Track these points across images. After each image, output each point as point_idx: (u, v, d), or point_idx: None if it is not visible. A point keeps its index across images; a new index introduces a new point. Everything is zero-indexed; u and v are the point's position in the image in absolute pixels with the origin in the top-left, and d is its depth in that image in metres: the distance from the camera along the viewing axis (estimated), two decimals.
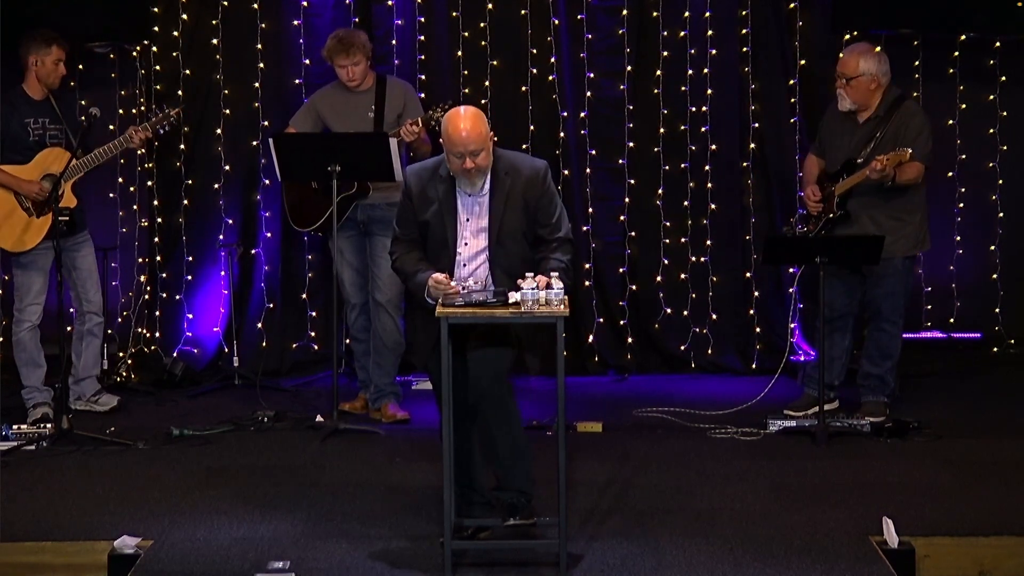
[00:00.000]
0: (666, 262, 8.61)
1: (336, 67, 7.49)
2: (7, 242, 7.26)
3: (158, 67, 8.54)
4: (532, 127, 8.53)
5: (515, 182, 5.37)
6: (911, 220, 7.17)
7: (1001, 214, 8.88)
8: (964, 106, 8.80)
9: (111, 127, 8.47)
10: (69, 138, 7.33)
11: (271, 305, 8.65)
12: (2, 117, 7.24)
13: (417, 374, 7.98)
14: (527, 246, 5.43)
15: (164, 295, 8.63)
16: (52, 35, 7.33)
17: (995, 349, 8.88)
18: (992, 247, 8.89)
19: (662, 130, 8.58)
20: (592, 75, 8.55)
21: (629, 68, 8.56)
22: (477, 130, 5.26)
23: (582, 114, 8.57)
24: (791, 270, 8.34)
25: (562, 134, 8.55)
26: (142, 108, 8.57)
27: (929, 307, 8.90)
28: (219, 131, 8.53)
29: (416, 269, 5.40)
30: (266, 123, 8.50)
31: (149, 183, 8.64)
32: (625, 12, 8.52)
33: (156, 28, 8.50)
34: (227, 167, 8.57)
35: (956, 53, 8.76)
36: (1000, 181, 8.86)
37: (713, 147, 8.52)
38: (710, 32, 8.53)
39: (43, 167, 7.21)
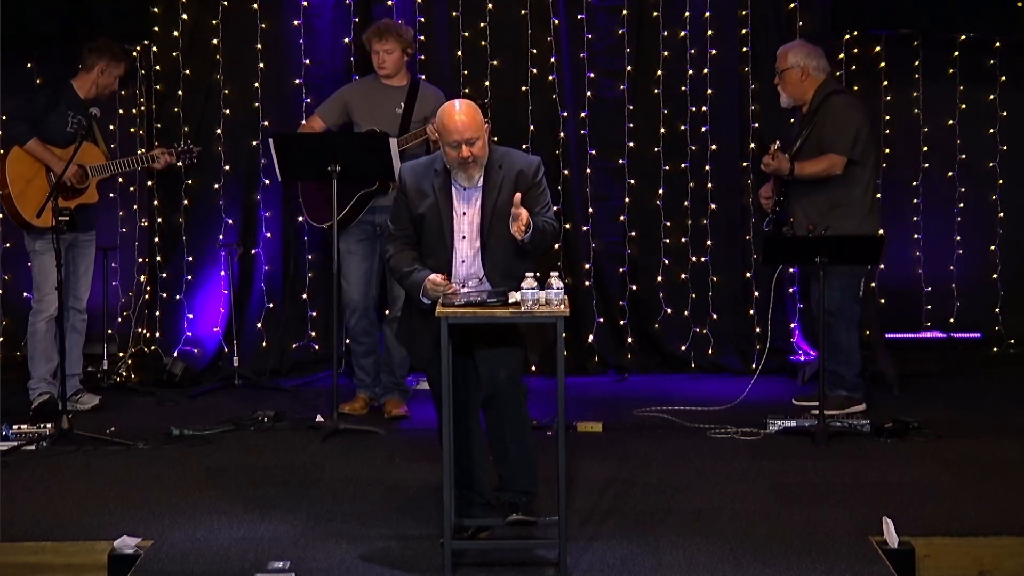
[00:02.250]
0: (666, 262, 8.62)
1: (371, 52, 7.55)
2: (27, 209, 7.31)
3: (158, 67, 8.54)
4: (532, 127, 8.53)
5: (508, 174, 5.40)
6: (845, 214, 7.16)
7: (1001, 214, 8.89)
8: (964, 106, 8.81)
9: (111, 127, 8.49)
10: (96, 138, 7.49)
11: (271, 305, 8.65)
12: (49, 101, 7.43)
13: (418, 374, 7.98)
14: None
15: (164, 295, 8.63)
16: (125, 53, 7.61)
17: (995, 349, 8.89)
18: (992, 247, 8.90)
19: (662, 130, 8.58)
20: (592, 75, 8.55)
21: (629, 68, 8.56)
22: (472, 118, 5.31)
23: (582, 114, 8.57)
24: (791, 270, 8.35)
25: (562, 134, 8.55)
26: (142, 108, 8.59)
27: (929, 307, 8.91)
28: (219, 131, 8.53)
29: (412, 268, 5.41)
30: (266, 123, 8.50)
31: (149, 183, 8.64)
32: (625, 12, 8.53)
33: (156, 28, 8.51)
34: (227, 167, 8.57)
35: (956, 53, 8.77)
36: (1000, 181, 8.87)
37: (713, 147, 8.52)
38: (710, 32, 8.53)
39: (71, 156, 7.25)
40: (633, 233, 8.64)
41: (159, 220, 8.61)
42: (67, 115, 7.43)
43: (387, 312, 7.74)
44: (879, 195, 7.46)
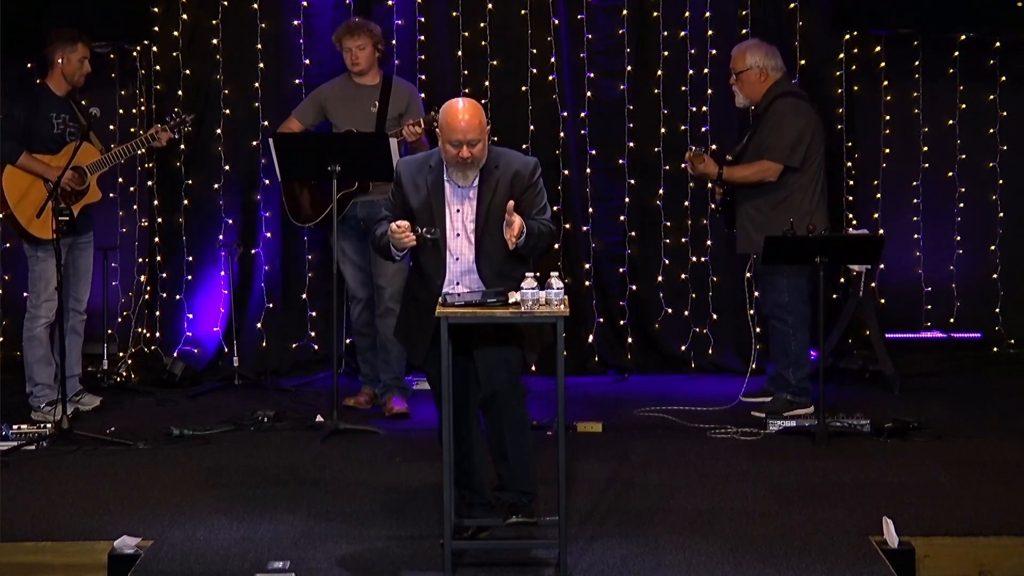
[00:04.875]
0: (666, 262, 8.62)
1: (343, 51, 7.60)
2: (23, 216, 7.30)
3: (158, 67, 8.54)
4: (532, 127, 8.54)
5: (504, 174, 5.40)
6: (784, 218, 7.16)
7: (1001, 214, 8.88)
8: (964, 106, 8.81)
9: (111, 127, 8.49)
10: (86, 135, 7.41)
11: (271, 305, 8.65)
12: (28, 109, 7.35)
13: (419, 373, 7.98)
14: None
15: (164, 295, 8.63)
16: (77, 33, 7.46)
17: (995, 349, 8.88)
18: (992, 247, 8.89)
19: (662, 130, 8.59)
20: (592, 75, 8.55)
21: (629, 68, 8.56)
22: (476, 120, 5.31)
23: (582, 114, 8.57)
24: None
25: (562, 134, 8.56)
26: (142, 108, 8.59)
27: (929, 307, 8.91)
28: (219, 131, 8.53)
29: (383, 231, 5.43)
30: (266, 123, 8.50)
31: (149, 183, 8.65)
32: (625, 12, 8.53)
33: (156, 28, 8.51)
34: (227, 167, 8.58)
35: (956, 53, 8.76)
36: (1000, 181, 8.87)
37: (713, 147, 8.51)
38: (710, 32, 8.54)
39: (69, 158, 7.22)
40: (633, 233, 8.64)
41: (159, 220, 8.61)
42: (50, 117, 7.36)
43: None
44: (824, 195, 7.39)
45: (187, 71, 8.54)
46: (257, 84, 8.55)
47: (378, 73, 7.64)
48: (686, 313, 8.63)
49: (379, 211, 7.31)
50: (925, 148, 8.83)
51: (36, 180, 7.29)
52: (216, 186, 8.58)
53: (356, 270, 7.65)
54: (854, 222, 8.55)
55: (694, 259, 8.62)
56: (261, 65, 8.55)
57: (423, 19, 8.56)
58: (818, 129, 7.37)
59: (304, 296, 8.65)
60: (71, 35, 7.44)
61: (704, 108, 8.55)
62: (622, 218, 8.64)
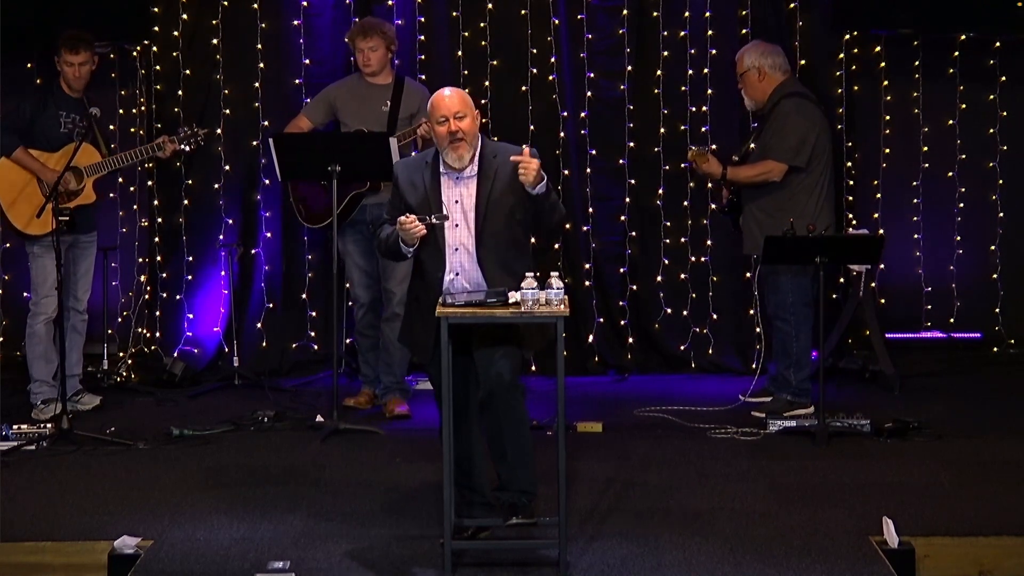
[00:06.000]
0: (666, 262, 8.62)
1: (355, 51, 7.59)
2: (20, 220, 7.32)
3: (158, 67, 8.54)
4: (532, 127, 8.54)
5: (503, 164, 5.41)
6: (783, 218, 7.15)
7: (1001, 214, 8.88)
8: (964, 106, 8.81)
9: (111, 127, 8.48)
10: (95, 137, 7.45)
11: (271, 305, 8.65)
12: (36, 106, 7.41)
13: (419, 373, 7.98)
14: (519, 230, 5.45)
15: (164, 295, 8.63)
16: (64, 38, 7.47)
17: (995, 349, 8.88)
18: (992, 247, 8.89)
19: (662, 130, 8.58)
20: (592, 75, 8.55)
21: (629, 68, 8.56)
22: (461, 97, 5.42)
23: (582, 114, 8.57)
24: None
25: (562, 134, 8.56)
26: (142, 108, 8.59)
27: (929, 307, 8.90)
28: (219, 131, 8.53)
29: (387, 233, 5.46)
30: (266, 123, 8.50)
31: (149, 183, 8.65)
32: (625, 12, 8.53)
33: (156, 28, 8.51)
34: (227, 167, 8.58)
35: (956, 53, 8.76)
36: (1000, 181, 8.86)
37: (713, 147, 8.51)
38: (710, 32, 8.54)
39: (68, 159, 7.23)
40: (633, 233, 8.64)
41: (159, 220, 8.61)
42: (58, 116, 7.40)
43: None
44: (829, 196, 7.39)
45: (187, 71, 8.54)
46: (257, 84, 8.55)
47: (390, 73, 7.63)
48: (686, 313, 8.63)
49: None
50: (925, 148, 8.83)
51: (31, 177, 7.30)
52: (216, 186, 8.58)
53: (362, 274, 7.62)
54: (854, 222, 8.55)
55: (694, 259, 8.62)
56: (261, 65, 8.55)
57: (423, 19, 8.56)
58: (824, 130, 7.37)
59: (304, 296, 8.65)
60: (60, 38, 7.47)
61: (704, 108, 8.55)
62: (622, 218, 8.64)
